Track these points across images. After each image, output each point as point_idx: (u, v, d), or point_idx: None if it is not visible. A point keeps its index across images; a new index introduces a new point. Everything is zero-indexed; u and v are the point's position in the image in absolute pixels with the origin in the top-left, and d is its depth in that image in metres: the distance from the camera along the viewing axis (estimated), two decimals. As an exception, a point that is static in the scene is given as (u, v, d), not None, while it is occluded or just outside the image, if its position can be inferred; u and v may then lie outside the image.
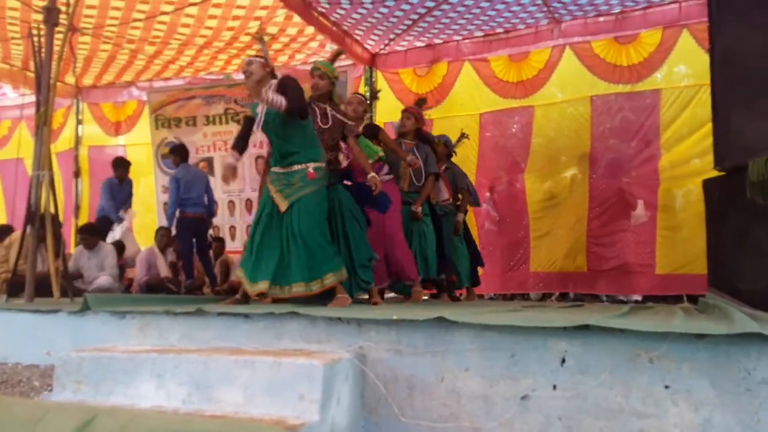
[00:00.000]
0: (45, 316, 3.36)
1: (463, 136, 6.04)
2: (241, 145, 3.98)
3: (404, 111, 5.38)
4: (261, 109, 3.84)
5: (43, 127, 4.48)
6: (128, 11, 6.35)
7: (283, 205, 3.78)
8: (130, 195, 7.46)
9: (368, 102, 5.11)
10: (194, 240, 6.64)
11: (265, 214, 3.85)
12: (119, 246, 6.83)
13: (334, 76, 4.30)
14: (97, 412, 2.04)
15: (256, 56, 3.93)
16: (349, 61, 7.40)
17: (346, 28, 6.89)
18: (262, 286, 3.69)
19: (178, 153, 6.83)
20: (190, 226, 6.54)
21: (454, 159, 5.98)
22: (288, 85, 3.79)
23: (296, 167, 3.85)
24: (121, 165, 7.38)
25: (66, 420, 2.02)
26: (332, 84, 4.29)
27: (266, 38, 4.08)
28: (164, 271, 6.70)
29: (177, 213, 6.53)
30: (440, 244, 5.28)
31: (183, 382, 2.36)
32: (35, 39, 4.58)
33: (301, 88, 3.84)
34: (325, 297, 3.78)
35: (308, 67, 7.75)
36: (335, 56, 4.45)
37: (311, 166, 3.85)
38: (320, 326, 2.66)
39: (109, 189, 7.24)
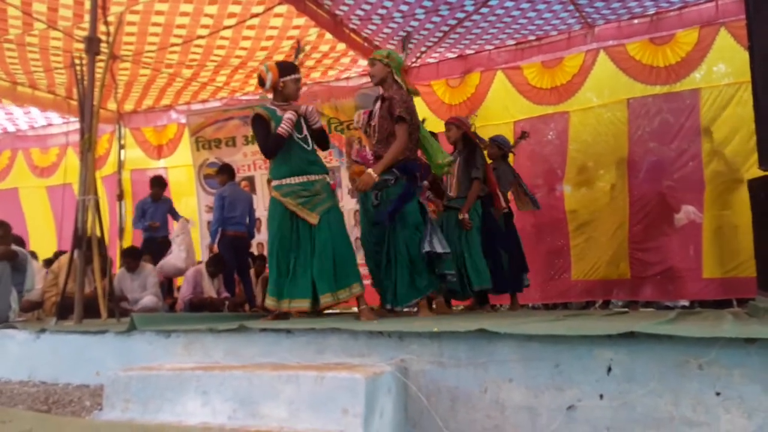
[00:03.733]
0: (93, 337, 3.44)
1: (524, 134, 6.02)
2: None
3: (445, 123, 5.53)
4: (291, 116, 3.86)
5: (88, 153, 4.61)
6: (166, 36, 6.52)
7: (312, 219, 3.77)
8: (165, 214, 7.64)
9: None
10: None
11: (287, 229, 3.83)
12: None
13: (384, 59, 4.22)
14: (145, 431, 2.09)
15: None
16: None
17: (377, 43, 6.94)
18: (303, 304, 3.72)
19: (225, 172, 6.95)
20: (230, 244, 6.65)
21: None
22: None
23: (314, 177, 3.87)
24: (157, 184, 7.57)
25: (116, 438, 2.06)
26: (387, 67, 4.20)
27: (306, 48, 4.16)
28: (209, 292, 6.81)
29: (219, 231, 6.65)
30: (493, 249, 5.28)
31: (228, 398, 2.39)
32: (78, 68, 4.72)
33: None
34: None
35: (341, 84, 7.92)
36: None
37: (327, 178, 3.94)
38: (361, 340, 2.66)
39: (140, 208, 7.45)
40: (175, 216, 7.75)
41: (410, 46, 7.10)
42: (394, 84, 4.22)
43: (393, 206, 4.07)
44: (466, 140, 5.36)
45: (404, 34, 6.74)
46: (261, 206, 8.12)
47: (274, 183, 3.93)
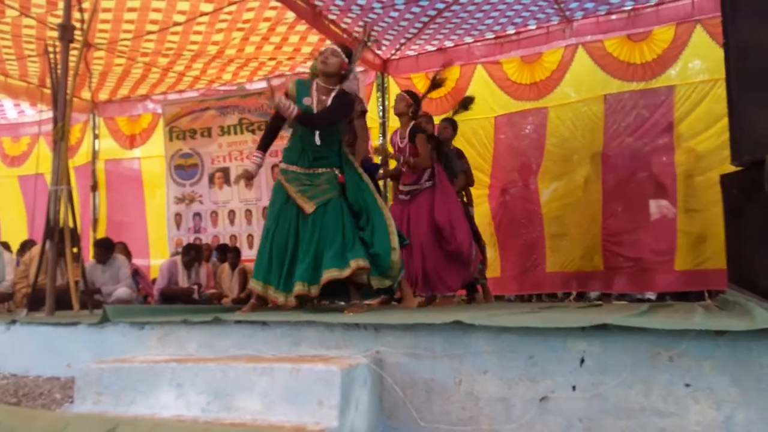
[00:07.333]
0: (65, 329, 3.39)
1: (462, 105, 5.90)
2: (267, 143, 3.93)
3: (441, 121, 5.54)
4: (311, 102, 3.80)
5: (61, 142, 4.53)
6: (141, 24, 6.42)
7: (308, 207, 3.73)
8: None
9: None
10: None
11: (285, 215, 3.79)
12: None
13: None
14: (118, 423, 2.06)
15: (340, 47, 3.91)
16: (361, 68, 7.43)
17: (356, 34, 6.90)
18: (298, 288, 3.65)
19: None
20: None
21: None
22: (340, 102, 3.82)
23: (322, 170, 3.81)
24: None
25: (87, 431, 2.03)
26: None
27: (371, 42, 4.07)
28: (184, 284, 6.76)
29: None
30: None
31: (202, 390, 2.37)
32: (51, 56, 4.63)
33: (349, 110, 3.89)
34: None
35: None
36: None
37: (337, 171, 3.83)
38: (337, 332, 2.66)
39: None
40: None
41: (382, 48, 7.10)
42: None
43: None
44: (435, 139, 5.32)
45: (379, 29, 6.72)
46: (236, 198, 8.08)
47: (282, 166, 3.89)
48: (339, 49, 3.85)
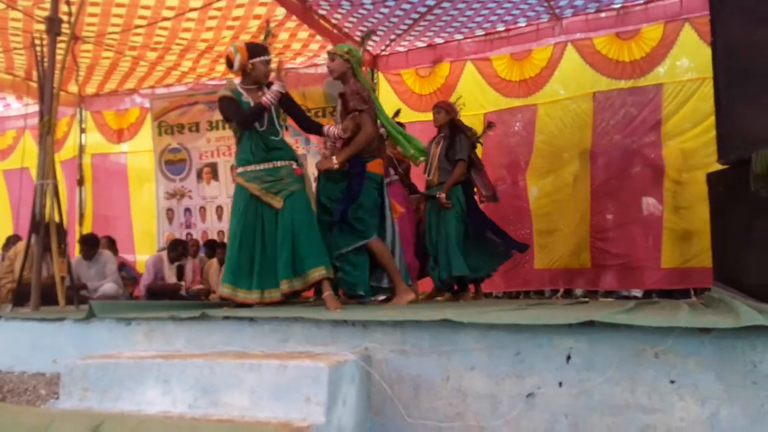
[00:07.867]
0: (51, 325, 3.37)
1: (489, 125, 5.96)
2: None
3: (434, 107, 5.45)
4: (280, 88, 3.84)
5: (47, 136, 4.49)
6: (129, 18, 6.36)
7: (277, 203, 3.76)
8: None
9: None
10: None
11: (251, 216, 3.81)
12: None
13: (344, 54, 4.17)
14: (104, 419, 2.05)
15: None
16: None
17: (346, 30, 6.89)
18: (275, 294, 3.72)
19: None
20: None
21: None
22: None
23: (280, 163, 3.86)
24: None
25: (73, 427, 2.03)
26: (347, 63, 4.16)
27: (273, 27, 4.16)
28: (170, 279, 6.73)
29: None
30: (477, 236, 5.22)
31: (189, 386, 2.37)
32: (38, 49, 4.58)
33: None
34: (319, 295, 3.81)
35: (310, 71, 7.84)
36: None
37: (294, 164, 3.90)
38: (325, 328, 2.66)
39: None
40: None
41: (371, 43, 7.05)
42: (352, 79, 4.18)
43: (341, 208, 4.01)
44: (452, 126, 5.33)
45: (369, 24, 6.71)
46: (224, 193, 8.04)
47: (239, 170, 3.90)
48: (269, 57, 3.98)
